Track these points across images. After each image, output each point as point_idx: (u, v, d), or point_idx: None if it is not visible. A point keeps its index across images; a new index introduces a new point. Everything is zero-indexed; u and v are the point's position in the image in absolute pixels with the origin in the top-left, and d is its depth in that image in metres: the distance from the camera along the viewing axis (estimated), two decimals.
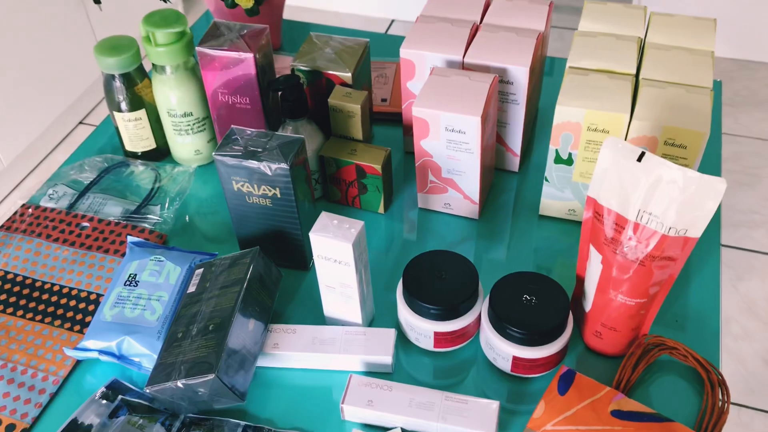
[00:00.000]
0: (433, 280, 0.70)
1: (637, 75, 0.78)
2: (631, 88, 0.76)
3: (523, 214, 0.86)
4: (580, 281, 0.72)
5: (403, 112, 0.90)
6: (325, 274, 0.69)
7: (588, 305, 0.70)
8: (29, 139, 2.02)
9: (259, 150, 0.71)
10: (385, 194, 0.85)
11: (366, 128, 0.85)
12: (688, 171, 0.59)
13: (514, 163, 0.90)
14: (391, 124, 0.98)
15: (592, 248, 0.68)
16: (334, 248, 0.66)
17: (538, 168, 0.92)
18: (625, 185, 0.62)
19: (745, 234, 1.79)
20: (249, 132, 0.73)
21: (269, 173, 0.70)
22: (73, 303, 0.77)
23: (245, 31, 0.81)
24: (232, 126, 0.74)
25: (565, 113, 0.75)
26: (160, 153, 0.94)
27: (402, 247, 0.83)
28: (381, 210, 0.86)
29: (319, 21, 2.54)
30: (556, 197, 0.83)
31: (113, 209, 0.88)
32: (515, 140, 0.87)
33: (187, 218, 0.87)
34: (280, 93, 0.80)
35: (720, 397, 0.67)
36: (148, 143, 0.92)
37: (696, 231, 0.60)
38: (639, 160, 0.61)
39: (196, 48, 0.79)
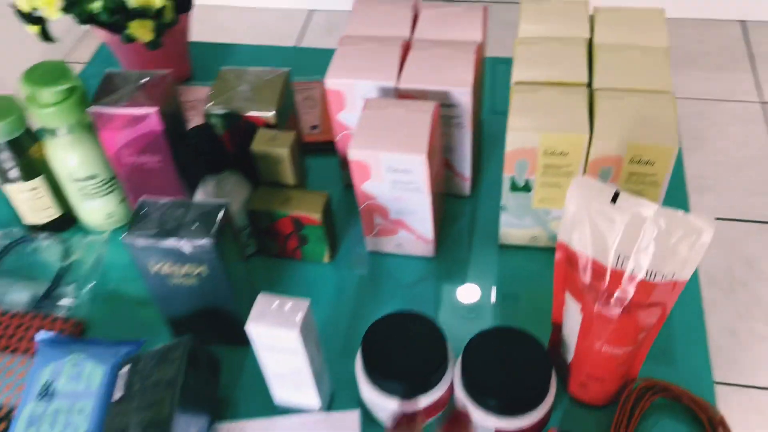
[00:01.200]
0: (396, 349, 0.61)
1: (590, 84, 0.71)
2: (587, 100, 0.68)
3: (481, 244, 0.78)
4: (557, 328, 0.64)
5: (337, 145, 0.81)
6: (270, 363, 0.60)
7: (569, 355, 0.63)
8: None
9: (176, 225, 0.61)
10: (329, 243, 0.76)
11: (298, 171, 0.75)
12: (671, 212, 0.52)
13: (465, 187, 0.82)
14: (326, 153, 0.89)
15: (568, 295, 0.60)
16: (278, 337, 0.57)
17: (490, 189, 0.84)
18: (599, 229, 0.55)
19: (696, 201, 1.76)
20: (161, 203, 0.63)
21: (191, 251, 0.60)
22: None
23: (144, 80, 0.70)
24: (141, 199, 0.63)
25: (519, 139, 0.67)
26: (66, 221, 0.82)
27: (356, 298, 0.74)
28: (326, 259, 0.77)
29: (233, 19, 2.40)
30: (515, 225, 0.75)
31: (19, 296, 0.76)
32: (464, 164, 0.79)
33: (107, 290, 0.76)
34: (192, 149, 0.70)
35: None
36: (51, 212, 0.80)
37: (685, 274, 0.53)
38: (613, 200, 0.54)
39: (89, 109, 0.68)
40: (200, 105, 0.94)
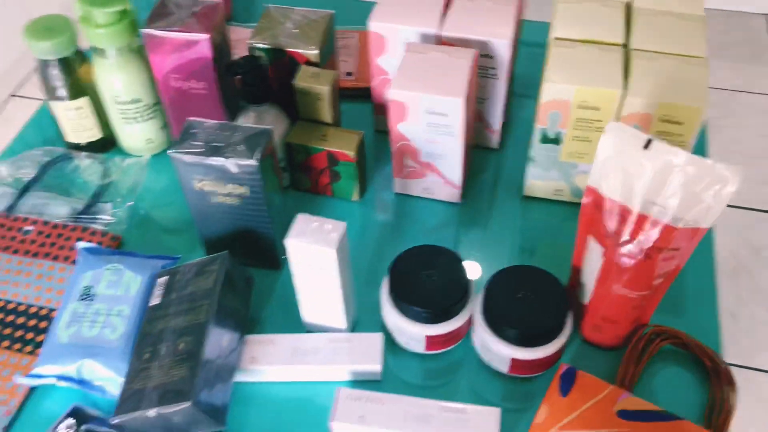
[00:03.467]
0: (421, 279, 0.64)
1: (626, 45, 0.73)
2: (622, 60, 0.70)
3: (505, 195, 0.81)
4: (576, 271, 0.67)
5: (373, 90, 0.83)
6: (304, 281, 0.63)
7: (586, 297, 0.66)
8: None
9: (222, 145, 0.64)
10: (359, 181, 0.79)
11: (336, 111, 0.78)
12: (700, 160, 0.54)
13: (493, 140, 0.84)
14: (359, 100, 0.91)
15: (591, 239, 0.63)
16: (314, 255, 0.60)
17: (517, 144, 0.86)
18: (630, 175, 0.57)
19: None
20: (208, 124, 0.66)
21: (236, 171, 0.63)
22: (21, 320, 0.70)
23: (197, 8, 0.72)
24: (189, 119, 0.66)
25: (554, 91, 0.69)
26: (107, 143, 0.85)
27: (380, 237, 0.77)
28: (355, 197, 0.80)
29: None
30: (541, 177, 0.78)
31: (59, 209, 0.79)
32: (495, 117, 0.81)
33: (142, 213, 0.79)
34: (238, 77, 0.72)
35: (726, 388, 0.64)
36: (93, 133, 0.83)
37: (707, 222, 0.56)
38: (646, 147, 0.56)
39: (142, 31, 0.71)
40: (241, 45, 0.96)
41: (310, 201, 0.81)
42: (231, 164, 0.63)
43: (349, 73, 0.93)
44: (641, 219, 0.58)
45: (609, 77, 0.68)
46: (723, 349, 0.68)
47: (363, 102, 0.91)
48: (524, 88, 0.92)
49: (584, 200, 0.62)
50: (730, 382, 0.64)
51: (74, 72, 0.78)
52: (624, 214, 0.58)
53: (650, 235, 0.57)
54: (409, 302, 0.63)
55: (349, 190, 0.79)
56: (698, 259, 0.74)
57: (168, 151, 0.64)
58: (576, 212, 0.79)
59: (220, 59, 0.74)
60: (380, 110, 0.85)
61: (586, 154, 0.74)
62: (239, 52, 0.95)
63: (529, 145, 0.75)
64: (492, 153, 0.85)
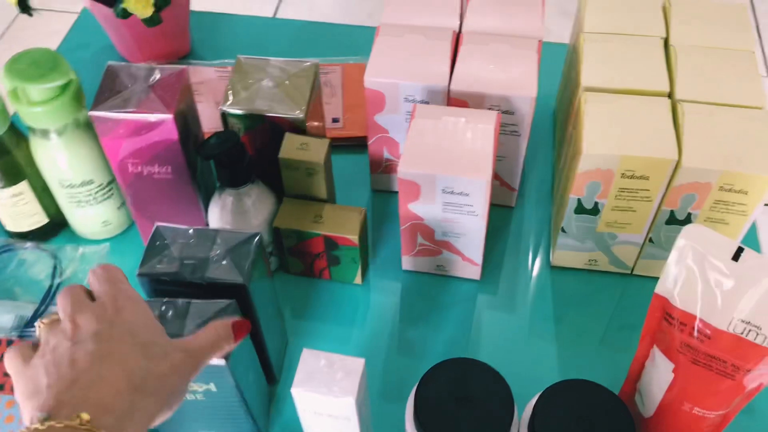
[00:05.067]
0: (454, 404, 0.53)
1: (670, 94, 0.62)
2: (670, 114, 0.59)
3: (529, 264, 0.70)
4: (633, 379, 0.57)
5: (370, 148, 0.71)
6: (314, 426, 0.52)
7: (648, 411, 0.56)
8: None
9: (202, 259, 0.51)
10: (362, 263, 0.67)
11: (330, 184, 0.66)
12: None
13: (512, 198, 0.73)
14: (347, 150, 0.79)
15: (658, 352, 0.53)
16: (328, 405, 0.48)
17: (533, 198, 0.75)
18: (712, 287, 0.47)
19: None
20: (181, 231, 0.53)
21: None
22: None
23: (155, 78, 0.58)
24: (157, 224, 0.53)
25: (594, 160, 0.58)
26: (55, 226, 0.71)
27: (391, 325, 0.66)
28: (357, 281, 0.68)
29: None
30: (574, 248, 0.67)
31: (2, 319, 0.66)
32: (514, 176, 0.70)
33: None
34: (213, 161, 0.59)
35: None
36: (37, 219, 0.69)
37: None
38: (735, 258, 0.45)
39: (90, 113, 0.57)
40: (206, 89, 0.83)
41: (304, 286, 0.68)
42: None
43: (335, 119, 0.80)
44: (727, 338, 0.47)
45: (660, 139, 0.57)
46: None
47: (353, 152, 0.78)
48: (538, 128, 0.80)
49: (651, 308, 0.51)
50: None
51: (8, 154, 0.64)
52: (707, 332, 0.48)
53: (743, 360, 0.47)
54: None
55: (351, 274, 0.67)
56: None
57: (136, 273, 0.51)
58: (613, 282, 0.69)
59: (188, 135, 0.61)
60: (377, 168, 0.73)
61: (629, 224, 0.63)
62: (206, 98, 0.81)
63: (555, 210, 0.64)
64: (509, 212, 0.74)
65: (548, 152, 0.79)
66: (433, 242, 0.65)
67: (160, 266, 0.51)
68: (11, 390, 0.61)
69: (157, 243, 0.53)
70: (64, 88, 0.60)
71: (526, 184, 0.76)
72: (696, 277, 0.47)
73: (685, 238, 0.47)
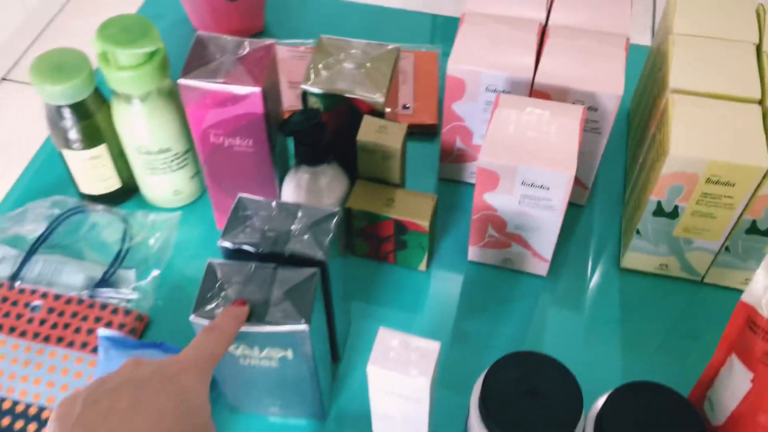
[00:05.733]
0: (523, 398, 0.53)
1: (761, 101, 0.61)
2: (762, 121, 0.58)
3: (599, 265, 0.69)
4: (704, 385, 0.56)
5: (443, 136, 0.71)
6: (383, 407, 0.52)
7: (718, 419, 0.55)
8: None
9: (284, 233, 0.51)
10: (428, 250, 0.67)
11: (403, 170, 0.66)
12: None
13: (584, 196, 0.72)
14: (416, 138, 0.78)
15: (736, 359, 0.52)
16: (402, 383, 0.48)
17: (604, 197, 0.74)
18: None
19: None
20: (264, 204, 0.53)
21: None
22: (33, 427, 0.58)
23: (244, 52, 0.59)
24: (240, 195, 0.54)
25: (680, 163, 0.57)
26: (127, 192, 0.72)
27: (456, 315, 0.65)
28: (422, 267, 0.68)
29: None
30: (647, 251, 0.66)
31: (73, 278, 0.67)
32: (590, 174, 0.69)
33: (171, 282, 0.67)
34: (293, 137, 0.59)
35: None
36: (111, 183, 0.70)
37: None
38: None
39: (178, 82, 0.57)
40: (282, 68, 0.83)
41: (369, 269, 0.68)
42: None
43: (405, 106, 0.80)
44: None
45: (750, 145, 0.56)
46: None
47: (422, 140, 0.78)
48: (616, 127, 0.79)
49: (734, 315, 0.51)
50: None
51: (90, 117, 0.65)
52: None
53: None
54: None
55: (417, 260, 0.67)
56: None
57: (218, 242, 0.52)
58: (682, 288, 0.68)
59: (271, 110, 0.61)
60: (447, 157, 0.73)
61: (707, 230, 0.62)
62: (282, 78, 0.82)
63: (629, 212, 0.63)
64: (579, 210, 0.73)
65: (620, 153, 0.78)
66: (504, 234, 0.64)
67: (242, 236, 0.51)
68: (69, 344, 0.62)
69: (240, 214, 0.53)
70: (152, 55, 0.61)
71: (597, 184, 0.75)
72: None
73: None
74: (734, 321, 0.51)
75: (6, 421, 0.59)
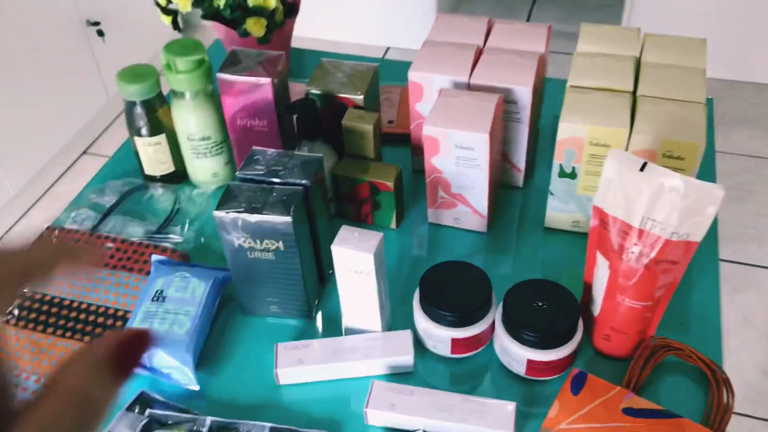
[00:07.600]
0: (449, 288, 0.73)
1: (634, 92, 0.83)
2: (630, 104, 0.80)
3: (528, 227, 0.90)
4: (588, 287, 0.75)
5: (411, 132, 0.94)
6: (345, 284, 0.73)
7: (596, 310, 0.74)
8: (35, 169, 2.06)
9: (281, 168, 0.75)
10: (397, 210, 0.89)
11: (377, 147, 0.89)
12: (688, 179, 0.63)
13: (519, 178, 0.94)
14: (398, 144, 1.02)
15: (599, 255, 0.72)
16: (355, 259, 0.70)
17: (541, 183, 0.96)
18: (629, 194, 0.66)
19: (740, 248, 1.83)
20: (270, 152, 0.77)
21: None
22: (101, 320, 0.80)
23: (262, 58, 0.85)
24: (254, 147, 0.78)
25: (568, 129, 0.79)
26: (178, 176, 0.97)
27: (415, 261, 0.86)
28: (393, 225, 0.90)
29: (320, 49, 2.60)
30: (560, 210, 0.87)
31: (135, 230, 0.91)
32: (519, 157, 0.91)
33: (202, 240, 0.91)
34: (296, 116, 0.84)
35: (725, 394, 0.70)
36: (167, 167, 0.96)
37: (697, 235, 0.64)
38: (642, 169, 0.65)
39: (217, 74, 0.83)
40: (295, 97, 1.09)
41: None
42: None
43: (390, 121, 1.05)
44: (640, 234, 0.66)
45: (618, 117, 0.78)
46: (724, 362, 0.74)
47: (403, 146, 1.02)
48: (549, 136, 1.02)
49: (592, 221, 0.71)
50: (729, 388, 0.70)
51: (155, 112, 0.91)
52: (625, 229, 0.67)
53: (649, 248, 0.65)
54: (437, 307, 0.72)
55: (388, 218, 0.89)
56: (705, 282, 0.81)
57: (237, 173, 0.76)
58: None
59: (280, 101, 0.86)
60: (417, 151, 0.96)
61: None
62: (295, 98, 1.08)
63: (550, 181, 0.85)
64: (517, 191, 0.95)
65: None
66: (450, 194, 0.86)
67: (254, 170, 0.75)
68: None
69: (253, 158, 0.77)
70: (200, 63, 0.87)
71: (537, 172, 0.97)
72: (618, 187, 0.67)
73: (609, 159, 0.67)
74: (593, 222, 0.71)
75: (91, 318, 0.81)
